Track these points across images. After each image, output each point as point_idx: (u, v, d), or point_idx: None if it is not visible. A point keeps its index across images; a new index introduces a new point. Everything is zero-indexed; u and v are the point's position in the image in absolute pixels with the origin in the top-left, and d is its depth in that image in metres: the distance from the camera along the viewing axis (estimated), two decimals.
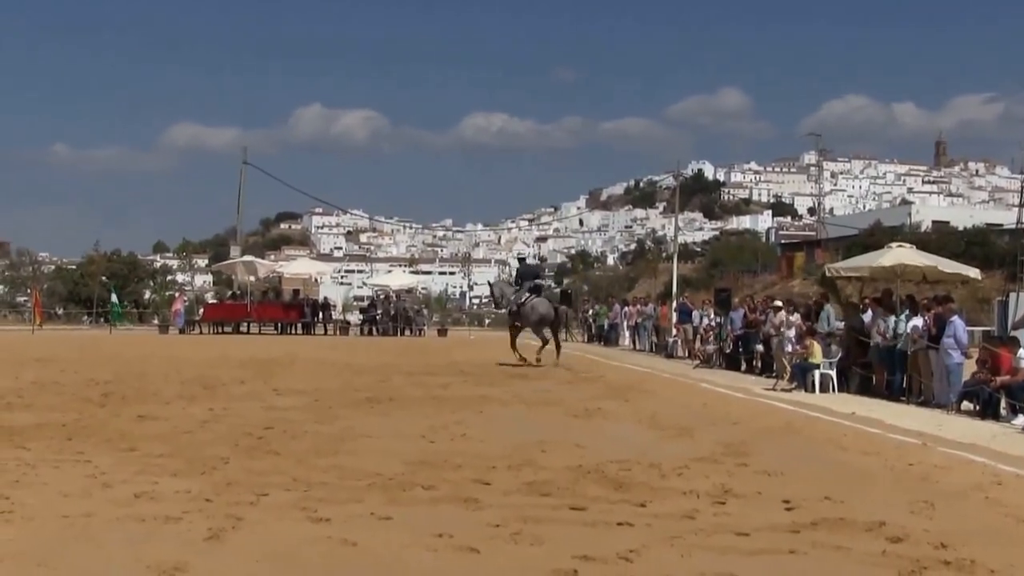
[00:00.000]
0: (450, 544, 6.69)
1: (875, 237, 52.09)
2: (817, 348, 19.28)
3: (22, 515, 7.37)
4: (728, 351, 26.13)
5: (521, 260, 31.34)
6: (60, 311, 61.68)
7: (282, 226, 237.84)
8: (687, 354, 30.05)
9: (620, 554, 6.44)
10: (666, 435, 12.55)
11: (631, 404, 16.28)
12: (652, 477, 9.28)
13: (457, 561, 6.37)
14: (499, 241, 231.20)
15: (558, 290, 30.04)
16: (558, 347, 26.14)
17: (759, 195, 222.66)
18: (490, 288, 31.08)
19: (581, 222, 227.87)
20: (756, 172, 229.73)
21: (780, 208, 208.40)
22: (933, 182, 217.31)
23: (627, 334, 38.70)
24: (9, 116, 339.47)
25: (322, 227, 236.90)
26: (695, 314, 30.58)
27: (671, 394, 18.66)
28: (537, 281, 27.47)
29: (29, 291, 66.45)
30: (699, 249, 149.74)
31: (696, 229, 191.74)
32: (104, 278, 60.51)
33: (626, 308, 39.69)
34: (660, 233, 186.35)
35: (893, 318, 18.36)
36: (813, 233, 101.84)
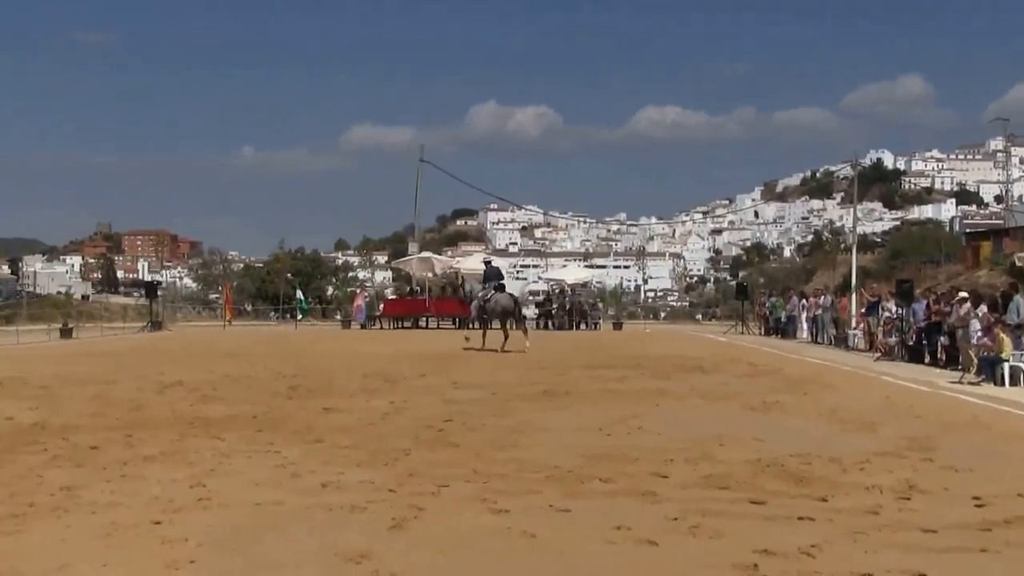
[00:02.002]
0: (628, 537, 6.71)
1: None
2: (1006, 340, 18.72)
3: (218, 502, 7.67)
4: (911, 343, 25.54)
5: (487, 264, 36.27)
6: (249, 307, 63.46)
7: (458, 222, 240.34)
8: (867, 347, 29.46)
9: (802, 549, 6.37)
10: (847, 429, 12.32)
11: (810, 397, 16.03)
12: (833, 471, 9.14)
13: (636, 554, 6.38)
14: (673, 234, 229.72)
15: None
16: (525, 332, 30.70)
17: (942, 183, 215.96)
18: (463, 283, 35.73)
19: (756, 214, 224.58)
20: (939, 160, 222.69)
21: (964, 196, 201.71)
22: None
23: (805, 327, 38.11)
24: (201, 123, 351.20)
25: (497, 223, 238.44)
26: (878, 306, 29.97)
27: (851, 387, 18.30)
28: (501, 282, 31.89)
29: (220, 288, 68.62)
30: (879, 240, 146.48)
31: (875, 219, 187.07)
32: (289, 275, 62.18)
33: (804, 300, 39.12)
34: (838, 224, 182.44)
35: None
36: (1000, 221, 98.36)
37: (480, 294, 31.65)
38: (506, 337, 29.81)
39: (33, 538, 6.59)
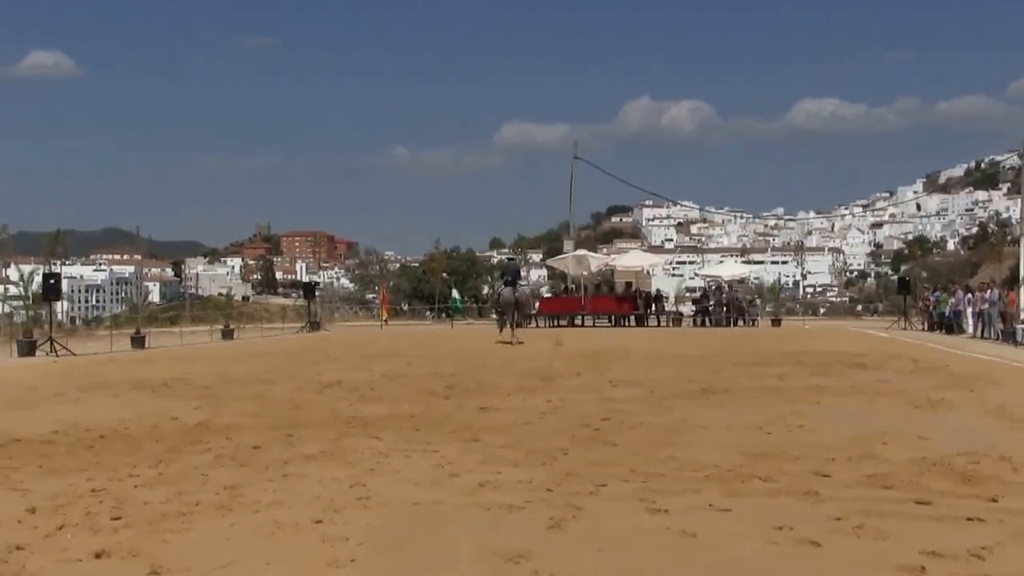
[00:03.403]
0: (790, 537, 6.58)
1: None
2: None
3: (377, 501, 7.74)
4: None
5: (510, 260, 42.14)
6: (405, 307, 64.29)
7: (613, 219, 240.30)
8: None
9: (971, 551, 6.15)
10: (1017, 426, 11.90)
11: (977, 394, 15.57)
12: (1003, 470, 8.84)
13: (798, 554, 6.25)
14: (832, 228, 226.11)
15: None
16: (512, 326, 33.70)
17: None
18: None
19: (918, 206, 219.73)
20: None
21: None
22: None
23: (971, 322, 37.13)
24: (357, 125, 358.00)
25: (652, 219, 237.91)
26: None
27: (1021, 384, 17.74)
28: (512, 278, 35.10)
29: (377, 288, 69.72)
30: None
31: None
32: (444, 274, 62.85)
33: (969, 295, 38.10)
34: (1004, 215, 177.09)
35: None
36: None
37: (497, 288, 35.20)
38: (509, 329, 33.43)
39: (199, 536, 6.75)
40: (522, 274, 38.49)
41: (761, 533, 6.67)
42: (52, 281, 31.66)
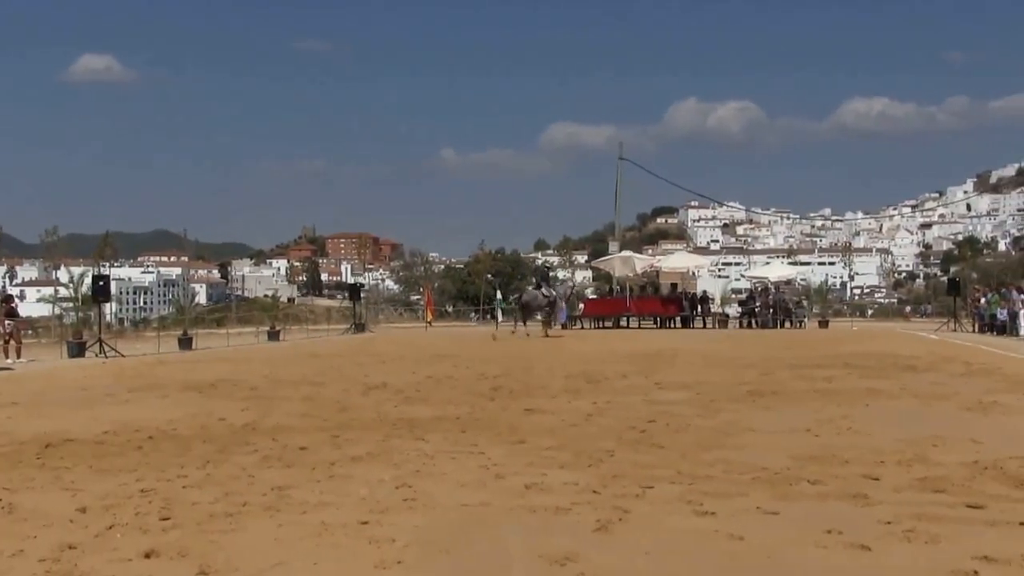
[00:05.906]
0: (840, 541, 6.50)
1: None
2: None
3: (424, 503, 7.74)
4: None
5: (548, 268, 47.27)
6: (450, 308, 64.45)
7: (659, 220, 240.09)
8: None
9: None
10: None
11: None
12: None
13: (848, 558, 6.17)
14: (880, 229, 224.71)
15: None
16: (545, 324, 39.51)
17: None
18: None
19: (969, 207, 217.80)
20: None
21: None
22: None
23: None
24: (405, 126, 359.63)
25: (698, 220, 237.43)
26: None
27: None
28: (540, 281, 40.27)
29: (421, 290, 69.92)
30: None
31: None
32: (489, 276, 62.97)
33: (1023, 296, 37.77)
34: None
35: None
36: None
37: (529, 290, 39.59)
38: (547, 327, 38.81)
39: (247, 536, 6.77)
40: (549, 280, 44.49)
41: (810, 537, 6.60)
42: (102, 283, 32.01)
